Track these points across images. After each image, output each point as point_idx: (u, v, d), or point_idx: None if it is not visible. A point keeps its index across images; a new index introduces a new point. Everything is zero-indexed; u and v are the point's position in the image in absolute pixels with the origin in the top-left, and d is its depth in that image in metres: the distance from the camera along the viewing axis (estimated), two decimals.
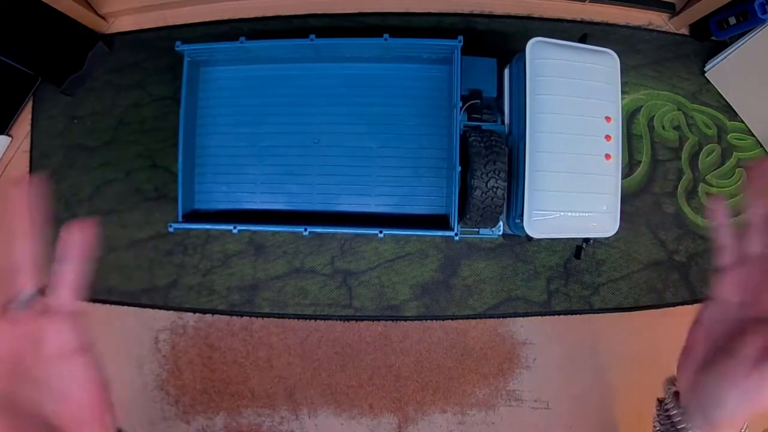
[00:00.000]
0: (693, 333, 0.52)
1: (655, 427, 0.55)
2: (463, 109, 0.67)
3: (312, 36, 0.67)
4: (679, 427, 0.50)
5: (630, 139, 0.88)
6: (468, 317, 0.86)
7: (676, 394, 0.50)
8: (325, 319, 0.86)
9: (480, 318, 0.86)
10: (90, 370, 0.40)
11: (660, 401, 0.57)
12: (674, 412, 0.51)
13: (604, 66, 0.61)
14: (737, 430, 0.48)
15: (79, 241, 0.38)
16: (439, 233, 0.66)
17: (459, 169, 0.63)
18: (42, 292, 0.37)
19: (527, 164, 0.58)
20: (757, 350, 0.42)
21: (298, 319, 0.86)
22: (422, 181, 0.75)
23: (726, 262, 0.46)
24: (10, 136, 0.88)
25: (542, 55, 0.59)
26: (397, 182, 0.75)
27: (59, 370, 0.39)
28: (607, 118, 0.59)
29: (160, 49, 0.88)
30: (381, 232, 0.66)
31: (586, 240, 0.73)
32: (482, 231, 0.73)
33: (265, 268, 0.86)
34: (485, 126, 0.68)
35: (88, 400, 0.40)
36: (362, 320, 0.86)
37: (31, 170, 0.87)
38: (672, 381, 0.54)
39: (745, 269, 0.47)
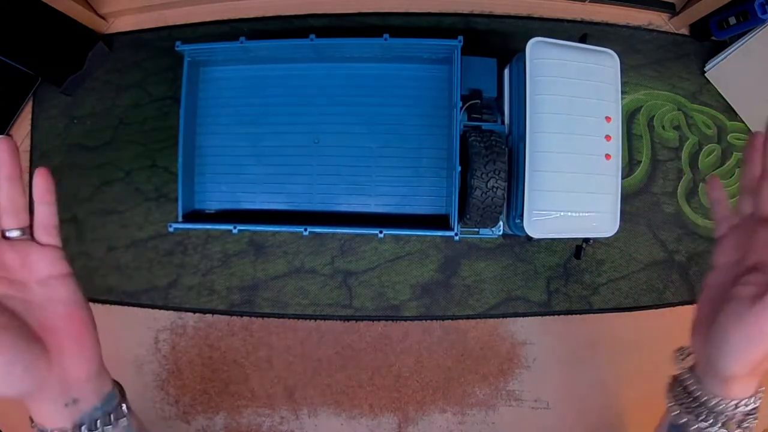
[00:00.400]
0: (701, 302, 0.57)
1: (671, 408, 0.57)
2: (463, 109, 0.67)
3: (312, 36, 0.67)
4: (696, 395, 0.54)
5: (630, 139, 0.88)
6: (468, 317, 0.86)
7: (691, 368, 0.56)
8: (325, 319, 0.86)
9: (480, 318, 0.86)
10: (72, 292, 0.51)
11: (674, 378, 0.59)
12: (690, 381, 0.55)
13: (604, 66, 0.61)
14: (754, 382, 0.52)
15: (42, 186, 0.49)
16: (439, 233, 0.66)
17: (459, 169, 0.62)
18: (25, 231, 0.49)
19: (527, 164, 0.58)
20: (755, 288, 0.49)
21: (298, 319, 0.86)
22: (422, 181, 0.74)
23: (721, 231, 0.58)
24: (10, 136, 0.87)
25: (542, 55, 0.59)
26: (397, 182, 0.75)
27: (44, 288, 0.50)
28: (607, 118, 0.59)
29: (160, 49, 0.88)
30: (381, 232, 0.66)
31: (586, 240, 0.73)
32: (482, 231, 0.72)
33: (265, 268, 0.86)
34: (485, 126, 0.67)
35: (70, 315, 0.51)
36: (362, 320, 0.86)
37: (31, 170, 0.87)
38: (683, 352, 0.58)
39: (738, 231, 0.57)
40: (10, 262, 0.49)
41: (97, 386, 0.52)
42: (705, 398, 0.54)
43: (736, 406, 0.52)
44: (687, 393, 0.56)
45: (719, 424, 0.53)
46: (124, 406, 0.54)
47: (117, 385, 0.56)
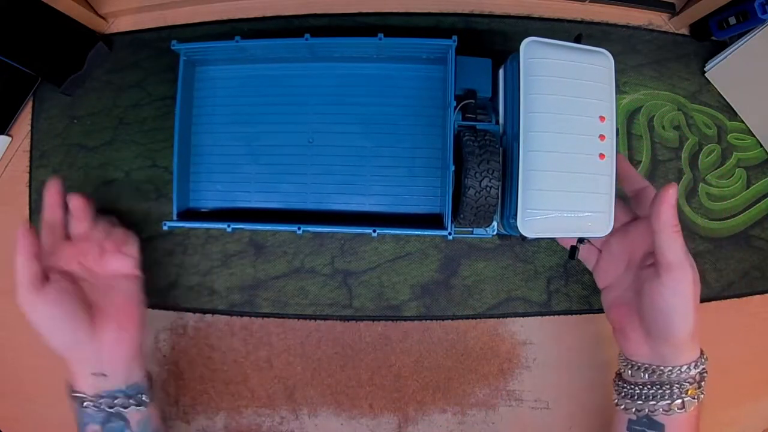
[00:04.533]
0: (613, 317, 0.72)
1: (628, 407, 0.66)
2: (458, 108, 0.67)
3: (307, 35, 0.67)
4: (654, 378, 0.64)
5: (630, 139, 0.88)
6: (468, 317, 0.86)
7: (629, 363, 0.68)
8: (325, 319, 0.86)
9: (480, 318, 0.86)
10: (131, 290, 0.71)
11: (620, 376, 0.71)
12: (643, 369, 0.65)
13: (598, 66, 0.60)
14: (696, 344, 0.64)
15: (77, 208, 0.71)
16: (433, 232, 0.66)
17: (453, 168, 0.62)
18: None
19: (521, 163, 0.58)
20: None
21: (298, 319, 0.86)
22: (417, 180, 0.75)
23: (591, 264, 0.76)
24: (10, 136, 0.88)
25: (536, 55, 0.59)
26: (391, 181, 0.75)
27: (108, 280, 0.69)
28: (601, 118, 0.59)
29: (160, 49, 0.88)
30: (374, 231, 0.66)
31: (580, 240, 0.73)
32: (476, 231, 0.72)
33: (265, 268, 0.86)
34: (480, 126, 0.67)
35: (122, 306, 0.68)
36: (362, 320, 0.86)
37: (31, 170, 0.87)
38: (623, 359, 0.70)
39: (606, 254, 0.73)
40: (89, 253, 0.68)
41: (128, 373, 0.66)
42: (664, 373, 0.62)
43: (694, 367, 0.62)
44: (642, 384, 0.65)
45: (684, 392, 0.61)
46: (145, 398, 0.67)
47: (148, 380, 0.70)
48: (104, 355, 0.63)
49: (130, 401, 0.64)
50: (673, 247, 0.59)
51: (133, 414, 0.65)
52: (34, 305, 0.59)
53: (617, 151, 0.64)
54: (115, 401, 0.63)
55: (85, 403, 0.62)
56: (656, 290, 0.60)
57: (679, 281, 0.58)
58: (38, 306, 0.59)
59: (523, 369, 0.86)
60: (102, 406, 0.62)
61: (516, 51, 0.61)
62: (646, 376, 0.64)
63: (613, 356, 0.85)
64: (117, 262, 0.70)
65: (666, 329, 0.61)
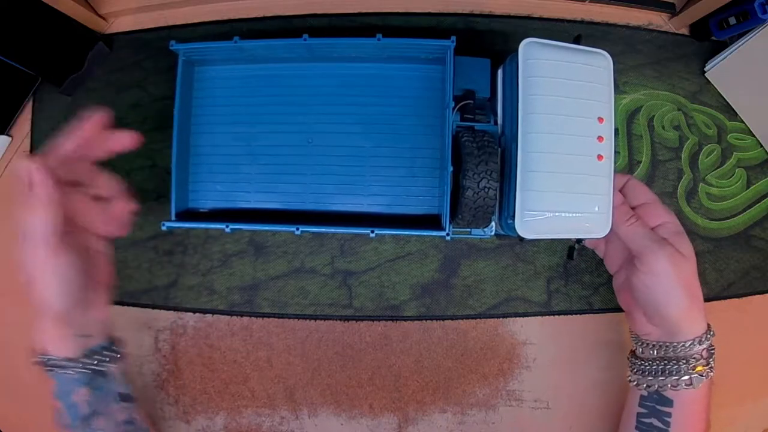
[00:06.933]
0: (623, 300, 0.74)
1: (640, 382, 0.69)
2: (456, 109, 0.67)
3: (305, 36, 0.66)
4: (662, 353, 0.67)
5: (630, 139, 0.88)
6: (468, 317, 0.86)
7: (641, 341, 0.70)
8: (325, 319, 0.86)
9: (480, 318, 0.86)
10: (110, 251, 0.68)
11: (633, 353, 0.73)
12: (652, 345, 0.68)
13: (596, 67, 0.60)
14: (701, 320, 0.66)
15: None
16: (431, 233, 0.66)
17: (451, 169, 0.62)
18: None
19: (519, 164, 0.58)
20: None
21: (298, 319, 0.86)
22: (415, 181, 0.74)
23: (602, 250, 0.78)
24: (10, 136, 0.88)
25: (535, 56, 0.59)
26: (390, 182, 0.75)
27: (100, 242, 0.66)
28: (600, 119, 0.59)
29: (160, 49, 0.88)
30: (373, 231, 0.66)
31: (578, 241, 0.73)
32: (474, 231, 0.72)
33: (265, 268, 0.86)
34: (478, 126, 0.67)
35: (106, 268, 0.67)
36: (362, 320, 0.86)
37: None
38: (635, 337, 0.73)
39: (611, 241, 0.75)
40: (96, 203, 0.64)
41: (105, 331, 0.66)
42: (670, 348, 0.65)
43: (699, 342, 0.64)
44: (652, 360, 0.68)
45: (691, 368, 0.63)
46: (121, 348, 0.68)
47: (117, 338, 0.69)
48: (93, 316, 0.64)
49: (111, 353, 0.65)
50: (630, 237, 0.65)
51: (112, 368, 0.66)
52: (46, 263, 0.54)
53: (615, 152, 0.64)
54: (99, 356, 0.64)
55: (69, 367, 0.61)
56: (635, 276, 0.65)
57: (650, 264, 0.63)
58: (52, 264, 0.54)
59: (523, 369, 0.86)
60: (88, 366, 0.62)
61: (515, 51, 0.61)
62: (655, 352, 0.66)
63: (613, 356, 0.86)
64: (114, 223, 0.67)
65: (656, 309, 0.65)
